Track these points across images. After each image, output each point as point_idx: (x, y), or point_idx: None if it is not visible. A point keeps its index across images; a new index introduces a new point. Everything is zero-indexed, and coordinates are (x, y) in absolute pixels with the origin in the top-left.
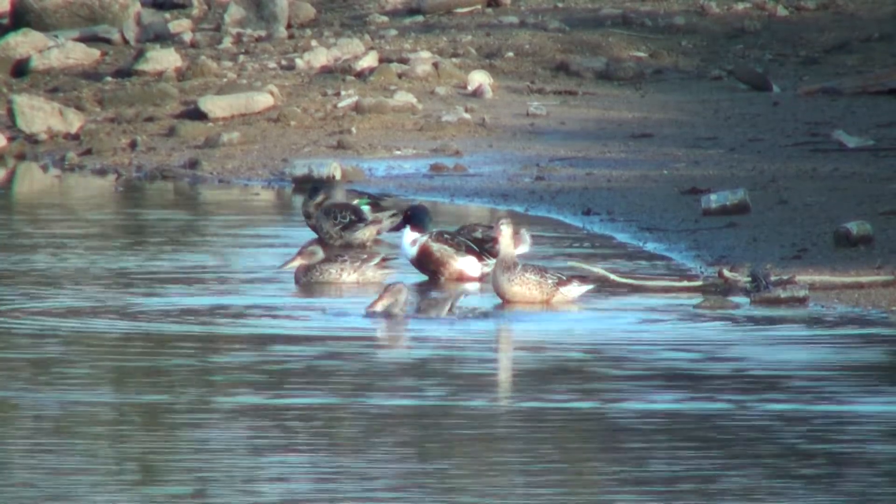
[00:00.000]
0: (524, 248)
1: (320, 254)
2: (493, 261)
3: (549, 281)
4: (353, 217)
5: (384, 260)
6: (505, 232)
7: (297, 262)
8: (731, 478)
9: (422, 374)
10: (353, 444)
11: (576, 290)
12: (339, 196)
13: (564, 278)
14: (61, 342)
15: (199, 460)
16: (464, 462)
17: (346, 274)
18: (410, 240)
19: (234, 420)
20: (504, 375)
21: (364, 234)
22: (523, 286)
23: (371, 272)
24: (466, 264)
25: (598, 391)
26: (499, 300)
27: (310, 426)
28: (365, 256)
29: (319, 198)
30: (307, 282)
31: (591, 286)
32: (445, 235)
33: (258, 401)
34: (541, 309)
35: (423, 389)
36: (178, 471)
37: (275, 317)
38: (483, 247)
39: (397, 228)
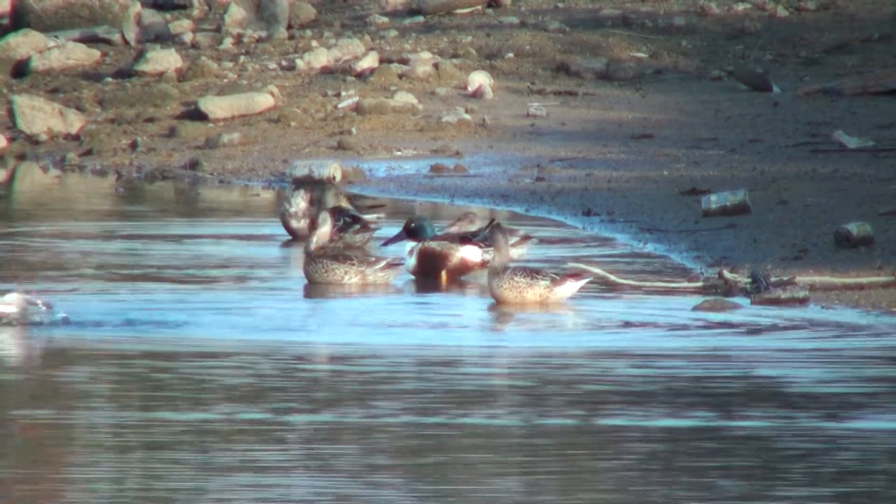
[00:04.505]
0: (524, 250)
1: (327, 225)
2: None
3: (542, 282)
4: (346, 220)
5: (390, 264)
6: (499, 238)
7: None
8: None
9: (399, 391)
10: (349, 463)
11: (571, 287)
12: (330, 201)
13: (558, 278)
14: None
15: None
16: (466, 479)
17: (348, 276)
18: (408, 249)
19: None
20: (498, 389)
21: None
22: (513, 290)
23: (374, 275)
24: (467, 252)
25: (602, 404)
26: (495, 303)
27: (302, 444)
28: (372, 259)
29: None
30: (312, 277)
31: (586, 280)
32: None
33: (258, 416)
34: (534, 310)
35: (416, 405)
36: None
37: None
38: (473, 237)
39: (397, 239)
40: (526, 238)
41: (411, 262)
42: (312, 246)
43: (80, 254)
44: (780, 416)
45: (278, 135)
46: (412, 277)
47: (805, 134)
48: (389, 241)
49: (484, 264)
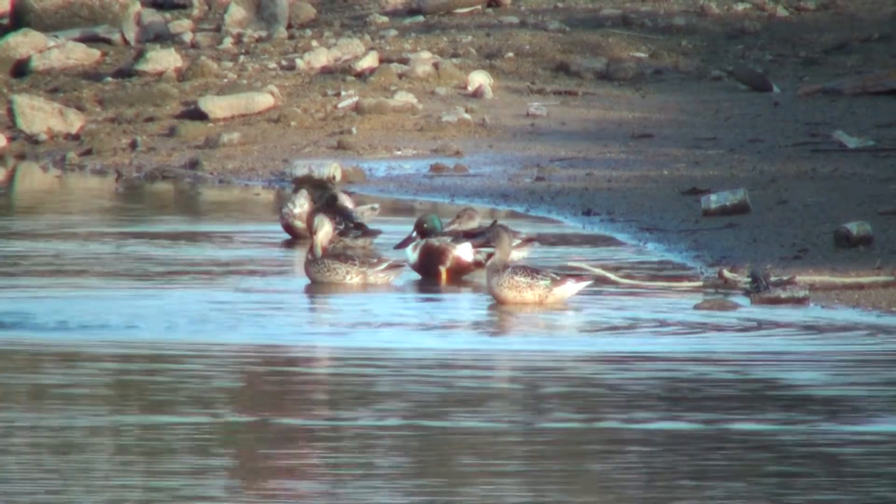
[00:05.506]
0: (526, 252)
1: (327, 226)
2: (487, 249)
3: (542, 282)
4: (348, 225)
5: (391, 266)
6: (502, 235)
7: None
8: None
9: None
10: (347, 466)
11: (571, 288)
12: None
13: (558, 278)
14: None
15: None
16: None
17: (350, 277)
18: (412, 245)
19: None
20: (503, 393)
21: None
22: (512, 289)
23: (374, 277)
24: (462, 250)
25: (601, 407)
26: (495, 302)
27: (300, 446)
28: (375, 260)
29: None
30: (313, 277)
31: (586, 283)
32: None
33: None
34: (533, 310)
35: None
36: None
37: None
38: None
39: (409, 241)
40: (529, 240)
41: (413, 257)
42: (318, 252)
43: (77, 253)
44: (779, 419)
45: (278, 134)
46: (414, 275)
47: (805, 134)
48: (403, 244)
49: (478, 264)
